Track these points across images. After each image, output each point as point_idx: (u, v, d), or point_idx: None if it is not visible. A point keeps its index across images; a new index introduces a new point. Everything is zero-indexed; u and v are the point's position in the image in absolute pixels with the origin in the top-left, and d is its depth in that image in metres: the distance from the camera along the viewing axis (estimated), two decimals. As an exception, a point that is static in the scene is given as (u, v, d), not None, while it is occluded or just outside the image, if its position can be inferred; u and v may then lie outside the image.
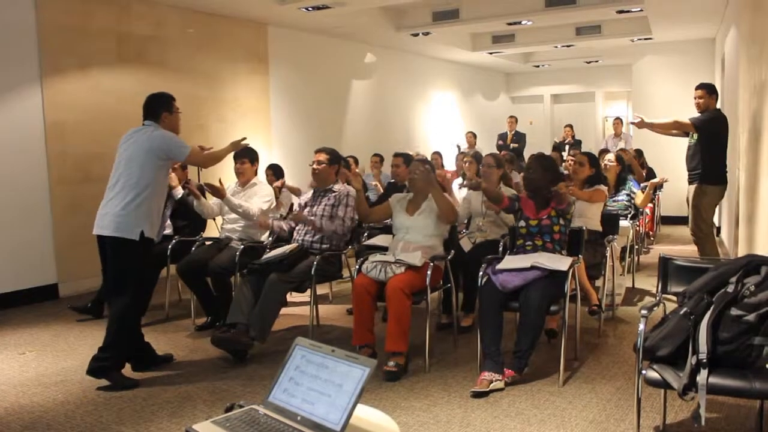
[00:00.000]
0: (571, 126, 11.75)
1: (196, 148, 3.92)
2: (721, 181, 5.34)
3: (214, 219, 5.62)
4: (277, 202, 5.59)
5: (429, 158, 7.94)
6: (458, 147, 9.99)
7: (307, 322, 4.71)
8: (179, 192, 5.26)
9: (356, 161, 8.07)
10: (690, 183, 5.49)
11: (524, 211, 4.03)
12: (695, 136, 5.37)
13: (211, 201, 5.03)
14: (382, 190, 7.06)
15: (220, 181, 4.68)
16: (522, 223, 4.00)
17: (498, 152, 7.82)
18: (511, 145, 11.02)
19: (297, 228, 4.58)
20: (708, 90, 5.39)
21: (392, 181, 6.51)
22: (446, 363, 4.00)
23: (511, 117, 11.72)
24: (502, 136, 11.57)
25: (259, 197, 4.91)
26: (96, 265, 4.48)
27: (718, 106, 5.64)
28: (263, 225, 4.81)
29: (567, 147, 11.06)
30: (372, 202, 6.36)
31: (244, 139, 4.29)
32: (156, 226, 3.83)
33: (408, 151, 8.11)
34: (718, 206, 6.19)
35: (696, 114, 5.43)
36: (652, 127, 5.59)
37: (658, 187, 8.63)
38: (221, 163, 5.33)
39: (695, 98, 5.42)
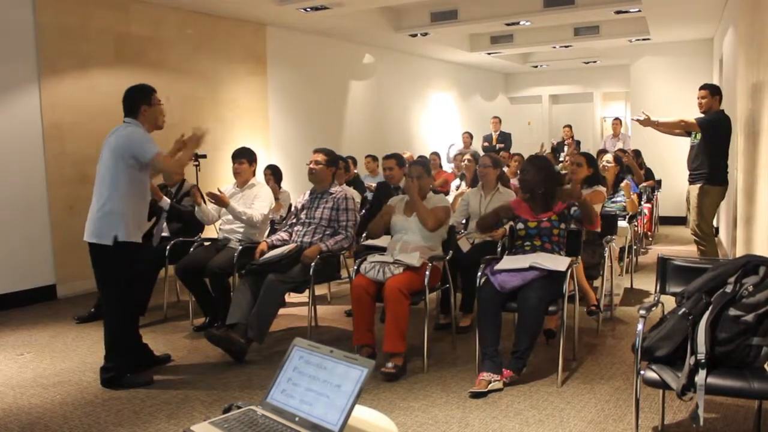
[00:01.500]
0: (570, 126, 11.75)
1: (162, 153, 3.67)
2: (723, 182, 5.33)
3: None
4: (277, 204, 5.58)
5: (428, 157, 7.99)
6: (450, 147, 9.84)
7: (306, 322, 4.71)
8: (166, 203, 5.17)
9: (354, 162, 8.08)
10: (691, 183, 5.47)
11: (520, 215, 4.02)
12: (698, 136, 5.37)
13: (210, 206, 5.01)
14: None
15: (219, 190, 4.67)
16: (520, 225, 3.99)
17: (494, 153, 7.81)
18: (497, 146, 10.96)
19: (296, 229, 4.57)
20: (711, 90, 5.39)
21: (382, 181, 6.47)
22: (445, 363, 4.00)
23: (495, 117, 11.63)
24: (487, 138, 11.47)
25: (260, 201, 4.89)
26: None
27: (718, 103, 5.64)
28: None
29: (566, 147, 11.06)
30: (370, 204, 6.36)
31: (202, 130, 3.92)
32: (135, 229, 3.68)
33: (406, 152, 8.12)
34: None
35: (698, 113, 5.43)
36: (657, 125, 5.56)
37: (656, 187, 8.65)
38: (220, 163, 5.33)
39: (698, 98, 5.42)
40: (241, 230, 4.93)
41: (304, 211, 4.59)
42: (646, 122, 5.47)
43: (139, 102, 3.72)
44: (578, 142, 11.51)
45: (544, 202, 3.99)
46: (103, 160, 3.68)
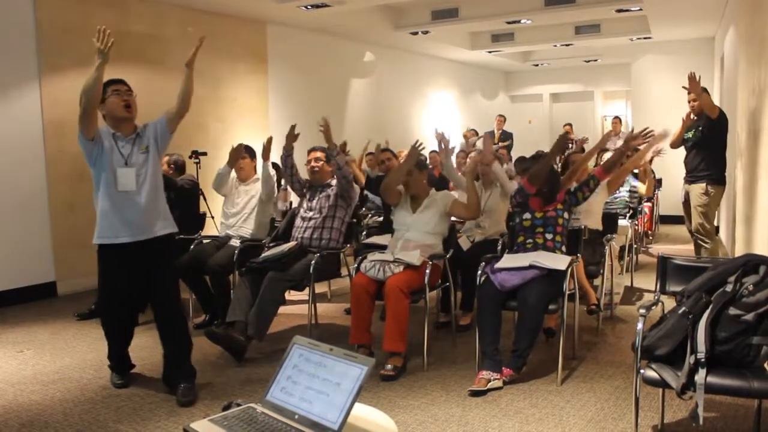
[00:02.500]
0: (570, 125, 11.75)
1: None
2: (725, 181, 5.36)
3: (212, 217, 5.63)
4: (284, 193, 5.63)
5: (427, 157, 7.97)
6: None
7: (306, 320, 4.71)
8: None
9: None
10: (692, 183, 5.45)
11: (529, 204, 4.02)
12: (696, 135, 5.40)
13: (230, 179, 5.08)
14: None
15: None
16: (527, 216, 3.97)
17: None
18: (499, 144, 10.94)
19: (296, 225, 4.60)
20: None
21: (381, 174, 6.48)
22: (444, 362, 4.00)
23: (500, 116, 11.60)
24: (490, 135, 11.45)
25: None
26: (93, 264, 4.47)
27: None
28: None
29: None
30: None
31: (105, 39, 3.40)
32: (106, 229, 3.42)
33: (403, 151, 8.10)
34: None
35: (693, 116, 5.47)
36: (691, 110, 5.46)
37: (656, 186, 8.64)
38: (221, 161, 5.29)
39: (689, 102, 5.45)
40: (242, 227, 4.96)
41: (304, 204, 4.66)
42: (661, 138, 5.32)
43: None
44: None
45: (549, 196, 3.99)
46: None
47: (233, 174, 5.06)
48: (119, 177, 3.40)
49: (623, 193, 5.96)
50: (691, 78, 5.10)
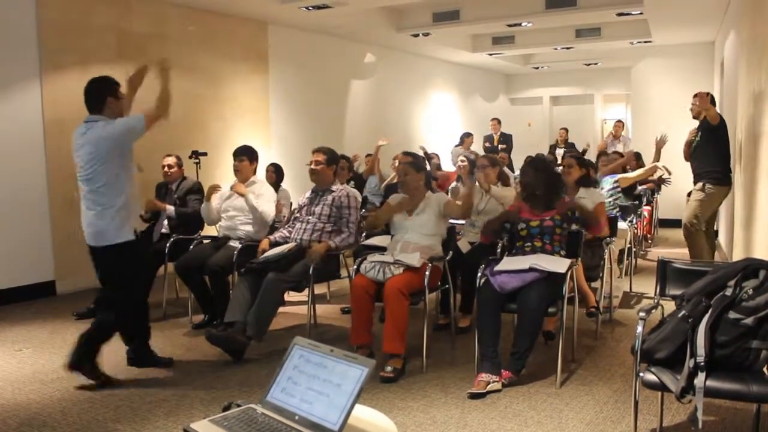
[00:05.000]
0: (566, 129, 11.77)
1: (146, 112, 3.58)
2: (727, 182, 5.48)
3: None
4: (278, 205, 5.58)
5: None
6: (423, 149, 9.20)
7: (305, 321, 4.71)
8: (171, 210, 5.27)
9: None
10: (694, 182, 5.61)
11: (521, 215, 4.00)
12: (698, 135, 5.51)
13: (214, 205, 5.00)
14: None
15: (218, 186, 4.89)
16: (522, 226, 3.97)
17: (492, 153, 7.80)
18: (499, 147, 10.95)
19: (296, 227, 4.58)
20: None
21: (392, 183, 6.51)
22: (444, 364, 4.00)
23: (494, 119, 11.55)
24: (489, 138, 11.43)
25: (266, 201, 4.88)
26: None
27: (716, 110, 5.70)
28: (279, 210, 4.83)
29: (563, 150, 11.02)
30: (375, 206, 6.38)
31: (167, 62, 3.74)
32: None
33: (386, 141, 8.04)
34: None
35: (694, 120, 5.56)
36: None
37: (656, 190, 8.64)
38: (222, 161, 5.31)
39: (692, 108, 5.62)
40: (242, 228, 4.94)
41: (304, 209, 4.60)
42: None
43: (105, 94, 3.60)
44: (572, 145, 11.47)
45: (544, 201, 3.98)
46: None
47: (222, 189, 5.01)
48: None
49: (604, 192, 5.91)
50: (701, 96, 5.32)
